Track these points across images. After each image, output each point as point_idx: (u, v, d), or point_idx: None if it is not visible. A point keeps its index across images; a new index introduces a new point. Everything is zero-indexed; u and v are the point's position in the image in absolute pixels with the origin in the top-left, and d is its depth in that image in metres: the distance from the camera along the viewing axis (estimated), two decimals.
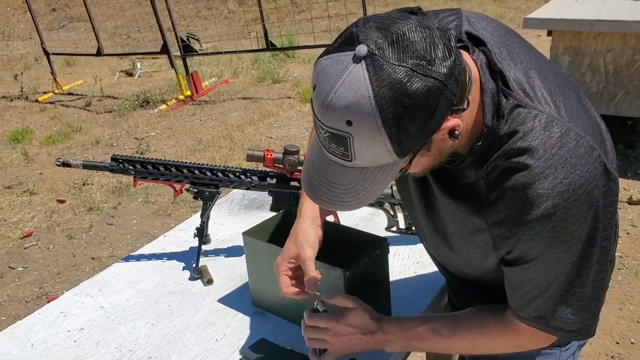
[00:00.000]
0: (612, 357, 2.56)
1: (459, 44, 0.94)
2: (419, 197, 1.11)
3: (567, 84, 0.99)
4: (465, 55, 0.92)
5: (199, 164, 1.59)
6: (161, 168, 1.57)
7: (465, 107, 0.85)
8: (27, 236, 4.12)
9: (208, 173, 1.58)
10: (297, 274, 1.21)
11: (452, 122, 0.83)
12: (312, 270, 1.16)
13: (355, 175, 0.86)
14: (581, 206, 0.88)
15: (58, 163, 1.57)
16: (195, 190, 1.60)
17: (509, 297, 1.04)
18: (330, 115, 0.80)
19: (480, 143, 0.92)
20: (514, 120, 0.90)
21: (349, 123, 0.79)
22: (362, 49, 0.78)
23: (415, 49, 0.78)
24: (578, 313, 0.99)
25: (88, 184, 4.83)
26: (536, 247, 0.92)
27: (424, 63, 0.78)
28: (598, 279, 0.97)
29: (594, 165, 0.88)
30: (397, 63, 0.77)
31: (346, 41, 0.81)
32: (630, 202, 3.72)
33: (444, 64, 0.79)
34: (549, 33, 4.36)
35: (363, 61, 0.78)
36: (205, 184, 1.60)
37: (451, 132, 0.84)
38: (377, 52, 0.78)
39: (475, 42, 0.94)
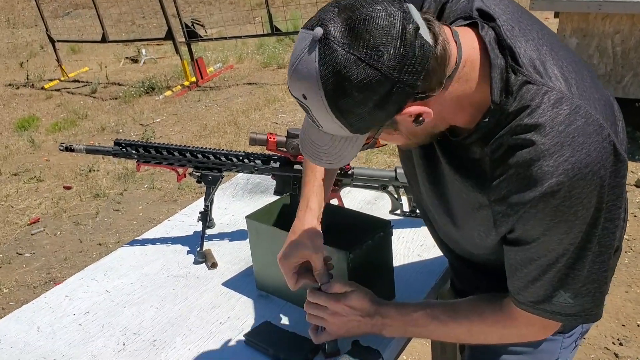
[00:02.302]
0: (618, 339, 2.55)
1: (466, 22, 0.93)
2: (424, 172, 1.11)
3: (580, 63, 0.98)
4: (468, 33, 0.91)
5: (202, 147, 1.59)
6: (164, 152, 1.57)
7: (434, 93, 0.86)
8: (34, 222, 4.15)
9: (211, 157, 1.58)
10: (301, 267, 1.20)
11: (414, 109, 0.86)
12: (322, 267, 1.16)
13: (327, 139, 0.92)
14: (586, 186, 0.87)
15: (61, 148, 1.58)
16: (199, 174, 1.60)
17: (508, 279, 1.03)
18: (292, 86, 0.87)
19: (487, 120, 0.91)
20: (523, 97, 0.88)
21: (304, 97, 0.85)
22: (318, 32, 0.81)
23: (369, 37, 0.80)
24: (577, 296, 0.97)
25: (94, 171, 4.84)
26: (538, 227, 0.91)
27: (372, 53, 0.80)
28: (598, 260, 0.95)
29: (602, 145, 0.87)
30: (346, 49, 0.80)
31: (313, 20, 0.84)
32: (638, 185, 3.70)
33: (394, 56, 0.80)
34: (556, 15, 4.31)
35: (317, 43, 0.81)
36: (209, 167, 1.59)
37: (416, 118, 0.87)
38: (330, 37, 0.81)
39: (486, 18, 0.93)
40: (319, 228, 1.20)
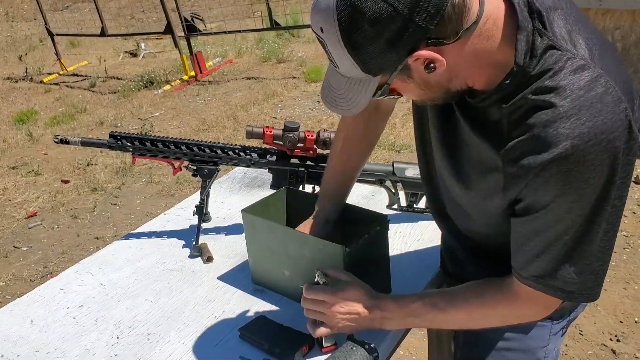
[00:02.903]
0: (615, 335, 2.55)
1: None
2: (438, 132, 1.10)
3: (605, 41, 0.98)
4: None
5: (197, 140, 1.58)
6: (159, 145, 1.56)
7: (448, 42, 0.86)
8: (31, 216, 4.14)
9: (207, 150, 1.57)
10: None
11: (425, 53, 0.86)
12: None
13: (343, 82, 0.94)
14: (600, 152, 0.86)
15: (56, 140, 1.57)
16: (194, 167, 1.58)
17: (513, 255, 1.02)
18: (312, 19, 0.89)
19: (508, 81, 0.92)
20: (546, 61, 0.89)
21: (322, 30, 0.87)
22: None
23: None
24: (581, 273, 0.96)
25: (92, 165, 4.83)
26: (549, 192, 0.90)
27: None
28: (605, 238, 0.94)
29: (619, 116, 0.86)
30: None
31: None
32: (637, 181, 3.69)
33: None
34: None
35: None
36: (204, 161, 1.58)
37: (427, 65, 0.88)
38: None
39: None
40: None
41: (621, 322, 2.63)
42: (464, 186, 1.08)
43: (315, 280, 1.18)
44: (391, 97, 1.00)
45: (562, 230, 0.93)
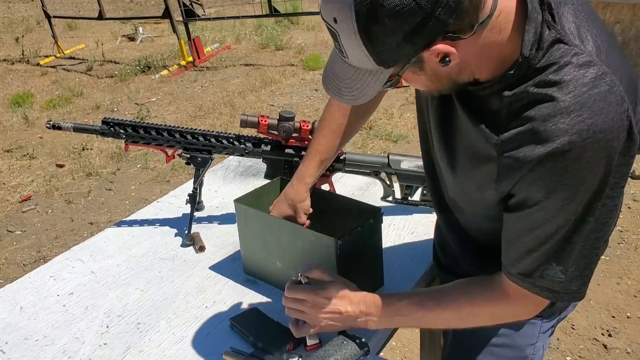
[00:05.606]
0: (607, 330, 2.55)
1: None
2: (437, 121, 1.09)
3: (612, 37, 0.96)
4: None
5: (191, 128, 1.56)
6: (153, 132, 1.54)
7: (464, 36, 0.84)
8: (25, 200, 4.12)
9: (201, 138, 1.55)
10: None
11: (442, 47, 0.84)
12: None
13: (351, 72, 0.92)
14: (598, 152, 0.85)
15: (48, 125, 1.55)
16: (188, 155, 1.57)
17: (503, 251, 1.02)
18: (324, 8, 0.86)
19: (512, 72, 0.90)
20: (552, 54, 0.87)
21: (335, 20, 0.84)
22: None
23: None
24: (567, 272, 0.96)
25: (87, 149, 4.80)
26: (542, 188, 0.89)
27: None
28: (592, 237, 0.94)
29: (620, 117, 0.85)
30: None
31: None
32: (633, 176, 3.69)
33: None
34: None
35: None
36: (198, 149, 1.57)
37: (443, 58, 0.86)
38: None
39: None
40: (308, 198, 1.37)
41: (613, 317, 2.63)
42: (458, 176, 1.07)
43: (298, 278, 1.16)
44: (399, 87, 0.99)
45: (554, 228, 0.93)
